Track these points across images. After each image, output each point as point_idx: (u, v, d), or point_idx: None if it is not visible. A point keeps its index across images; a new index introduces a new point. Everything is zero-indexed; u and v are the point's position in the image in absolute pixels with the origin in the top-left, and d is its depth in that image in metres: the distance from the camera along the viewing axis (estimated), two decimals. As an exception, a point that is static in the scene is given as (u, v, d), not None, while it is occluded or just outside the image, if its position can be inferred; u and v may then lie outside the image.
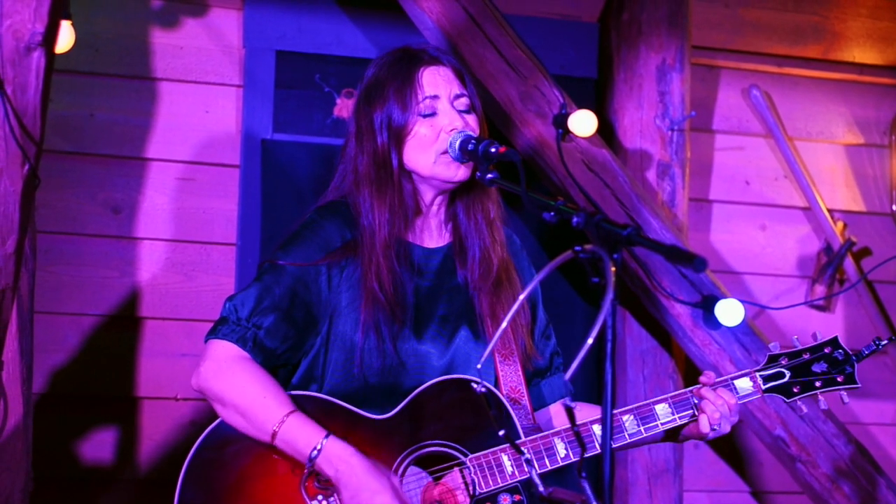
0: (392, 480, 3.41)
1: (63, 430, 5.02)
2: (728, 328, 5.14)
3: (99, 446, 5.07)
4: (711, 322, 5.12)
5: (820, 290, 5.84)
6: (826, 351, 3.74)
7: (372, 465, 3.41)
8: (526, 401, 3.72)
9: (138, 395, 5.12)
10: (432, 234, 3.74)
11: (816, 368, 3.72)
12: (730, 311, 5.07)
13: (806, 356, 3.73)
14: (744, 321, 5.11)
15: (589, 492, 2.83)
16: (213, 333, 3.57)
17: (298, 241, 3.64)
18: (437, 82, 3.65)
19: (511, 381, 3.72)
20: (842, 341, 3.77)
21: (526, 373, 3.77)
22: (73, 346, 5.06)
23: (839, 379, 3.73)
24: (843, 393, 3.75)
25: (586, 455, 3.49)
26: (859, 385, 3.74)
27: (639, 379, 5.43)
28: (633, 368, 5.44)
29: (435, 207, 3.73)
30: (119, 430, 5.09)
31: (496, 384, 3.70)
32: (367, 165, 3.66)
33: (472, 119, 3.66)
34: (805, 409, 3.77)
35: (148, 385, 5.12)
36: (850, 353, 3.75)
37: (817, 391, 3.73)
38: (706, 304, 5.12)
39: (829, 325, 5.88)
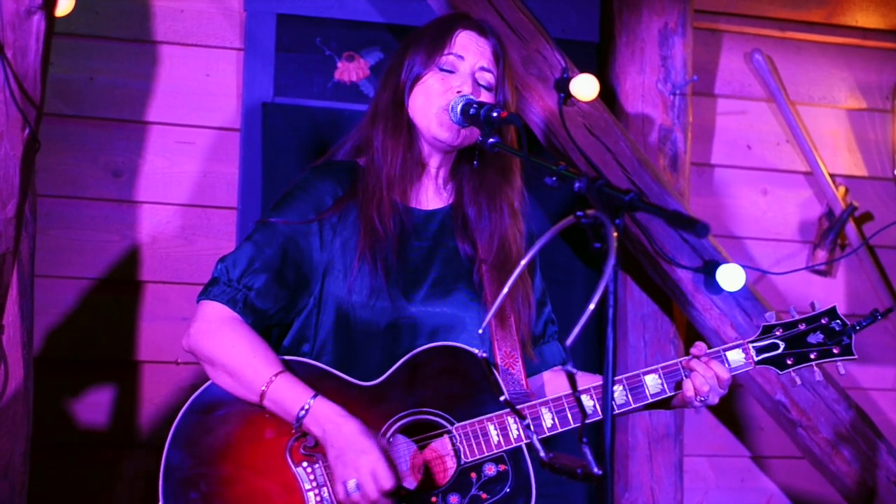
0: (379, 442, 3.42)
1: (63, 393, 5.03)
2: (729, 293, 5.13)
3: (99, 410, 5.07)
4: (713, 287, 5.11)
5: (821, 254, 5.83)
6: (823, 322, 3.70)
7: (360, 426, 3.42)
8: (520, 367, 3.72)
9: (139, 359, 5.12)
10: (429, 196, 3.75)
11: (812, 339, 3.69)
12: (731, 276, 5.06)
13: (802, 327, 3.69)
14: (745, 286, 5.11)
15: (590, 457, 2.83)
16: (205, 294, 3.59)
17: (290, 200, 3.66)
18: (469, 47, 3.68)
19: (506, 346, 3.72)
20: (841, 309, 3.74)
21: (521, 339, 3.76)
22: (74, 309, 5.06)
23: (835, 350, 3.69)
24: (840, 364, 3.72)
25: (574, 426, 3.51)
26: (856, 356, 3.70)
27: (640, 343, 5.43)
28: (634, 333, 5.44)
29: (433, 169, 3.74)
30: (119, 393, 5.10)
31: (491, 350, 3.70)
32: (386, 102, 3.71)
33: (485, 95, 3.66)
34: (799, 381, 3.74)
35: (148, 349, 5.13)
36: (848, 323, 3.71)
37: (812, 363, 3.69)
38: (707, 269, 5.11)
39: (831, 290, 5.88)
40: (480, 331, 3.63)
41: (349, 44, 5.34)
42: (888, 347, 5.97)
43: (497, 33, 3.76)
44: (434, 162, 3.74)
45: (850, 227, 5.86)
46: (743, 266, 5.11)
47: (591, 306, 2.76)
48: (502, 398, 3.28)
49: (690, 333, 5.42)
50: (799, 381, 3.75)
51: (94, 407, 5.07)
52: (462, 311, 3.68)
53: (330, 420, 3.42)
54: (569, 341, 3.08)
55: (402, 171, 3.65)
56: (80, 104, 5.08)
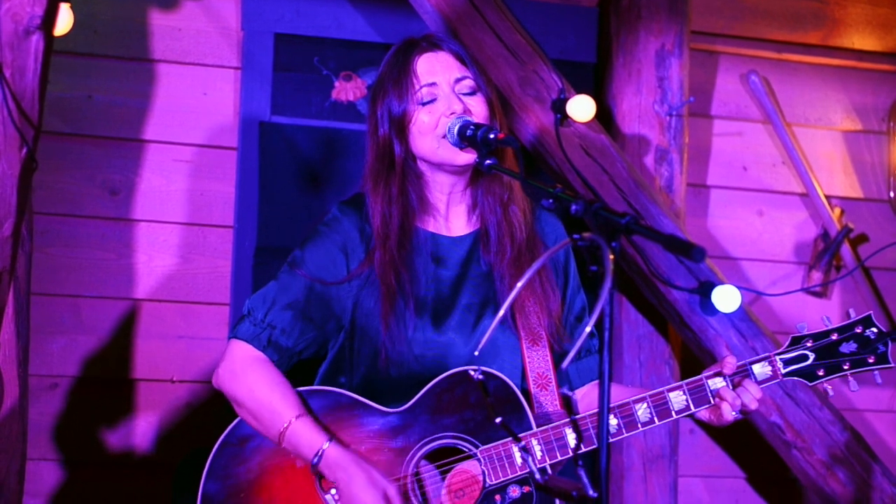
0: (389, 490, 3.44)
1: (59, 412, 5.02)
2: (725, 314, 5.13)
3: (95, 428, 5.07)
4: (708, 308, 5.11)
5: (817, 276, 5.84)
6: (857, 330, 3.64)
7: (370, 475, 3.45)
8: (553, 386, 3.71)
9: (135, 377, 5.12)
10: (459, 222, 3.75)
11: (845, 349, 3.63)
12: (726, 297, 5.06)
13: (834, 336, 3.64)
14: (740, 307, 5.11)
15: (585, 480, 2.84)
16: (234, 332, 3.68)
17: (317, 238, 3.72)
18: (434, 69, 3.66)
19: (538, 366, 3.71)
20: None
21: (555, 357, 3.75)
22: (70, 327, 5.06)
23: (870, 360, 3.63)
24: (877, 373, 3.66)
25: (593, 446, 3.51)
26: (892, 364, 3.64)
27: (635, 364, 5.43)
28: (630, 354, 5.44)
29: (458, 195, 3.73)
30: (115, 411, 5.09)
31: (523, 371, 3.70)
32: (372, 158, 3.70)
33: (475, 101, 3.65)
34: (832, 393, 3.67)
35: (144, 367, 5.12)
36: (885, 331, 3.64)
37: (847, 373, 3.63)
38: (703, 290, 5.11)
39: (826, 312, 5.85)
40: (477, 353, 3.63)
41: (347, 63, 5.35)
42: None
43: (443, 38, 3.75)
44: (459, 187, 3.74)
45: (846, 249, 5.86)
46: (738, 287, 5.11)
47: (588, 329, 2.78)
48: (498, 420, 3.29)
49: (686, 354, 5.43)
50: (832, 393, 3.68)
51: (89, 425, 5.06)
52: (494, 333, 3.68)
53: (341, 468, 3.47)
54: (565, 364, 3.09)
55: (398, 218, 3.66)
56: (78, 122, 5.09)
